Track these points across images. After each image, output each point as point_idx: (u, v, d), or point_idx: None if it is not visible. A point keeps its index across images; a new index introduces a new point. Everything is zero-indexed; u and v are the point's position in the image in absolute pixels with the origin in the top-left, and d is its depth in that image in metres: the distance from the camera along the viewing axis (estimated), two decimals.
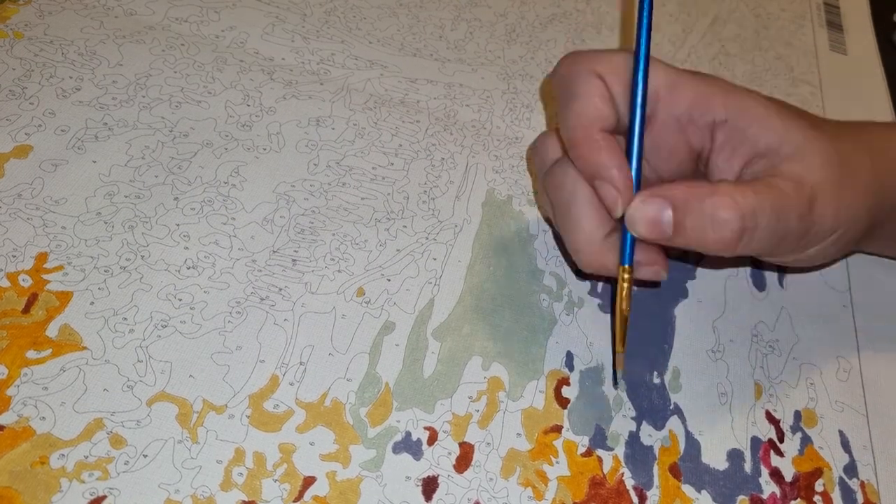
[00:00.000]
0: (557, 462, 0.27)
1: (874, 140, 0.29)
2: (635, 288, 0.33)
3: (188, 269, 0.29)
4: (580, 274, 0.32)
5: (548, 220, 0.34)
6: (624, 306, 0.27)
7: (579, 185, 0.27)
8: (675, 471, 0.28)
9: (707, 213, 0.25)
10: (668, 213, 0.25)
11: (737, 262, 0.34)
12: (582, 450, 0.28)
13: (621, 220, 0.26)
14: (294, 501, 0.25)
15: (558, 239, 0.33)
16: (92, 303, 0.28)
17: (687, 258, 0.34)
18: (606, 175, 0.26)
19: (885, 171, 0.28)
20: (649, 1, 0.26)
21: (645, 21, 0.26)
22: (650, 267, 0.28)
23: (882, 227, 0.30)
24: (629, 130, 0.26)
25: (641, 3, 0.26)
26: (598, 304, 0.32)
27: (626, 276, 0.27)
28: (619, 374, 0.29)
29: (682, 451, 0.28)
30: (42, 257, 0.28)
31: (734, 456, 0.29)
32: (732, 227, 0.24)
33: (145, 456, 0.25)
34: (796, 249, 0.27)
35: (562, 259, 0.33)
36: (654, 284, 0.30)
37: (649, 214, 0.25)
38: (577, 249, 0.28)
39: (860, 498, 0.28)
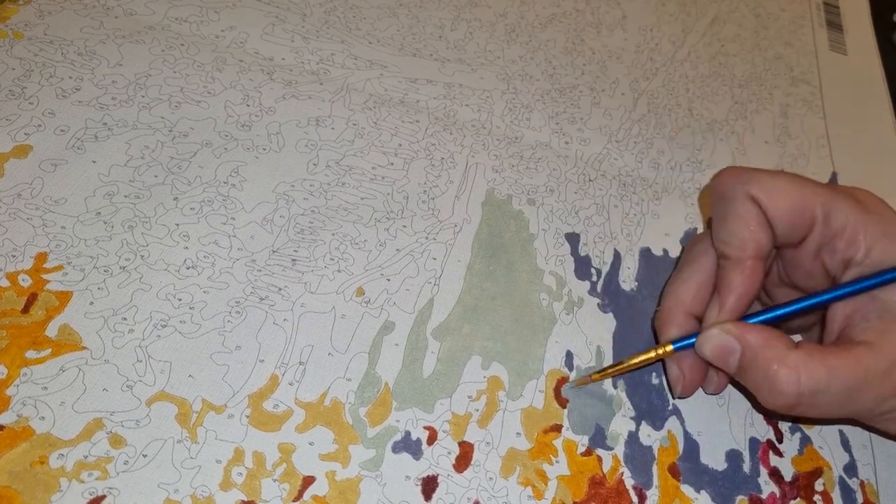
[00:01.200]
0: (557, 461, 0.27)
1: None
2: (633, 287, 0.33)
3: (188, 268, 0.29)
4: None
5: None
6: (637, 360, 0.28)
7: (709, 255, 0.28)
8: (674, 471, 0.28)
9: (768, 376, 0.24)
10: (737, 355, 0.25)
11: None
12: (582, 449, 0.28)
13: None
14: (293, 501, 0.25)
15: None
16: (91, 303, 0.28)
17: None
18: (725, 301, 0.27)
19: None
20: None
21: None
22: (679, 373, 0.28)
23: None
24: (784, 306, 0.27)
25: None
26: (598, 304, 0.32)
27: (660, 352, 0.28)
28: (572, 383, 0.29)
29: (681, 452, 0.28)
30: (42, 257, 0.28)
31: (733, 456, 0.29)
32: (786, 400, 0.24)
33: (145, 456, 0.25)
34: (870, 421, 0.27)
35: (561, 258, 0.33)
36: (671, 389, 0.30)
37: (722, 345, 0.26)
38: (666, 297, 0.29)
39: (860, 497, 0.28)
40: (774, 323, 0.27)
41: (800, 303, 0.27)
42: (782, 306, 0.27)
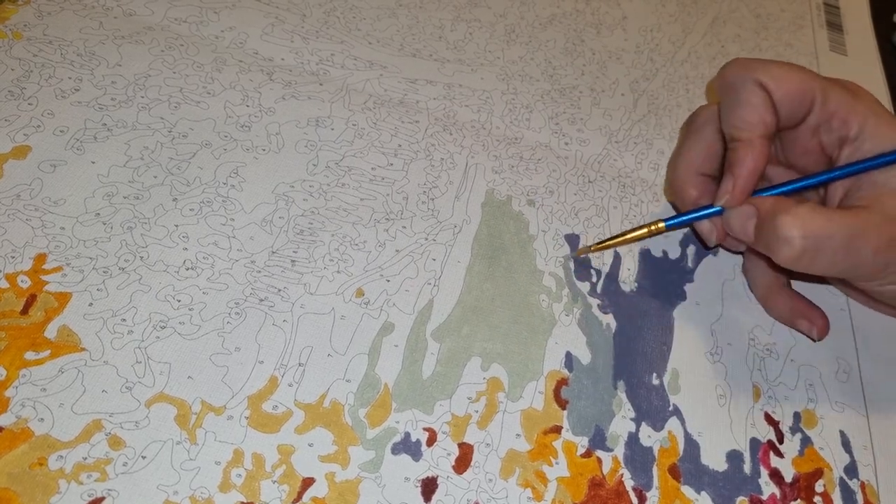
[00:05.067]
0: (557, 463, 0.27)
1: None
2: (633, 288, 0.33)
3: (187, 270, 0.29)
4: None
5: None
6: (630, 237, 0.32)
7: (711, 125, 0.32)
8: (674, 472, 0.28)
9: (776, 229, 0.27)
10: (753, 221, 0.29)
11: (829, 281, 0.36)
12: (581, 451, 0.28)
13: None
14: (293, 503, 0.25)
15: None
16: (91, 304, 0.28)
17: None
18: (737, 174, 0.30)
19: None
20: None
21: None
22: (808, 323, 0.32)
23: None
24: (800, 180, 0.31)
25: None
26: (598, 305, 0.32)
27: (653, 228, 0.32)
28: (572, 255, 0.33)
29: (681, 452, 0.28)
30: (41, 258, 0.28)
31: (733, 457, 0.29)
32: (794, 247, 0.27)
33: (144, 457, 0.25)
34: (874, 279, 0.29)
35: (561, 259, 0.33)
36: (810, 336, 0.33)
37: (742, 217, 0.29)
38: (676, 168, 0.33)
39: (860, 499, 0.28)
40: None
41: (812, 178, 0.30)
42: (792, 182, 0.31)
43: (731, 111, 0.30)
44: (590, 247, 0.33)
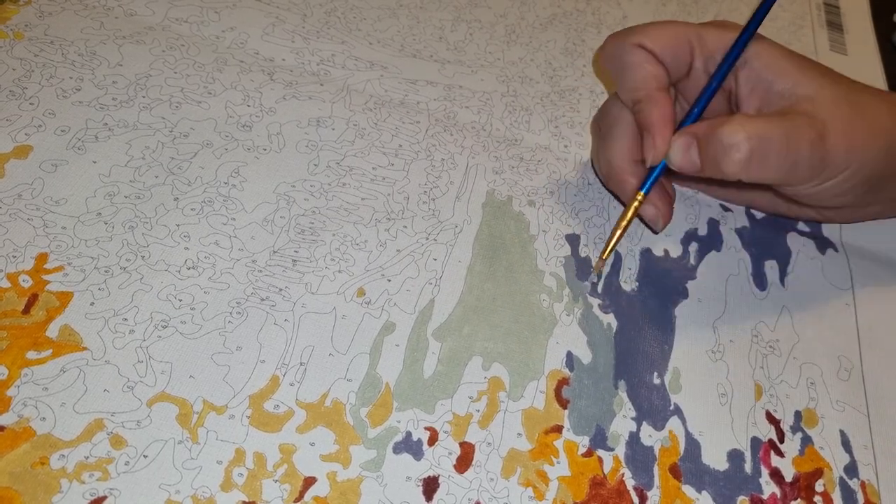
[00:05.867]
0: (558, 462, 0.27)
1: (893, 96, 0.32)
2: (634, 287, 0.33)
3: (188, 269, 0.29)
4: (605, 186, 0.36)
5: (595, 169, 0.37)
6: (624, 223, 0.32)
7: (624, 113, 0.33)
8: (675, 471, 0.28)
9: (721, 140, 0.28)
10: (694, 145, 0.29)
11: (761, 189, 0.35)
12: (582, 450, 0.28)
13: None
14: (294, 502, 0.25)
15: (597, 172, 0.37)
16: (92, 303, 0.28)
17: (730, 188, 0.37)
18: (652, 127, 0.30)
19: None
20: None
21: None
22: (656, 210, 0.33)
23: None
24: (702, 93, 0.32)
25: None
26: (599, 304, 0.32)
27: (639, 198, 0.32)
28: (594, 275, 0.33)
29: (682, 452, 0.28)
30: (42, 258, 0.28)
31: (734, 456, 0.29)
32: (742, 150, 0.28)
33: (146, 456, 0.25)
34: (811, 179, 0.29)
35: (562, 259, 0.33)
36: (652, 227, 0.34)
37: (682, 147, 0.29)
38: (609, 161, 0.33)
39: (861, 498, 0.28)
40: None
41: (709, 87, 0.31)
42: (695, 104, 0.31)
43: (623, 78, 0.32)
44: (600, 259, 0.32)
